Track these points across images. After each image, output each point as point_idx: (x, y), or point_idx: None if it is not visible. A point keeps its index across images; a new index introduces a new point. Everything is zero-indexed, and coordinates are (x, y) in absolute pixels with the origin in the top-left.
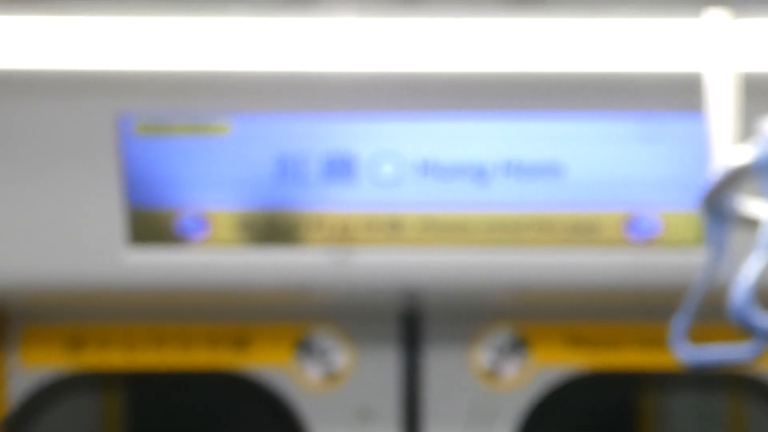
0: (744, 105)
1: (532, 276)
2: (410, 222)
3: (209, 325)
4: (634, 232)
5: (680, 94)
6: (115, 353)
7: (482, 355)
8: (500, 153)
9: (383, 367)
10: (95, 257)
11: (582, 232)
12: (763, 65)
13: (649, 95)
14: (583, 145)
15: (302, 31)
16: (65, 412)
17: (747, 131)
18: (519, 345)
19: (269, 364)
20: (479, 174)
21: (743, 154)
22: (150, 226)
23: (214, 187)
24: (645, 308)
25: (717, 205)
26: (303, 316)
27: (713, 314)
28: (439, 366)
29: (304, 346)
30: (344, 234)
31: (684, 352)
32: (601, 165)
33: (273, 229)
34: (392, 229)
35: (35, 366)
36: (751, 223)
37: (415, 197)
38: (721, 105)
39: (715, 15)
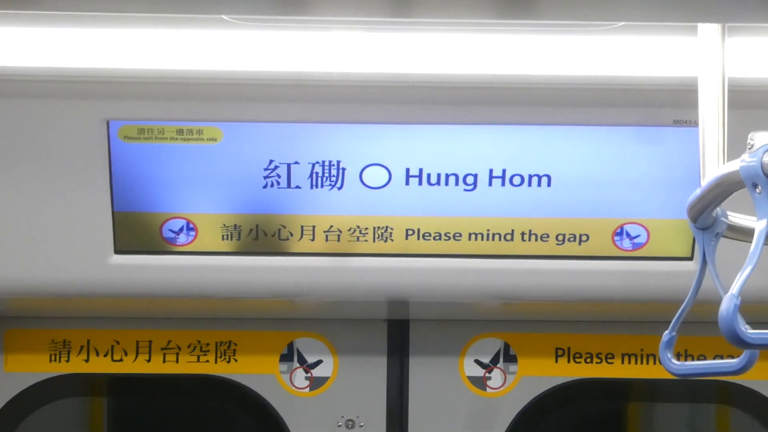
0: (733, 118)
1: (520, 284)
2: (398, 230)
3: (195, 331)
4: (623, 241)
5: (670, 108)
6: (100, 358)
7: (470, 364)
8: (489, 162)
9: (370, 374)
10: (81, 262)
11: (571, 240)
12: (752, 80)
13: (639, 108)
14: (572, 156)
15: (293, 43)
16: (50, 415)
17: (736, 144)
18: (507, 354)
19: (255, 369)
20: (468, 183)
21: (733, 166)
22: (136, 231)
23: (202, 192)
24: (632, 319)
25: (705, 217)
26: (289, 322)
27: (701, 326)
28: (427, 374)
29: (289, 352)
30: (331, 241)
31: (671, 364)
32: (590, 175)
33: (259, 235)
34: (379, 237)
35: (20, 370)
36: (740, 235)
37: (403, 206)
38: (712, 118)
39: (707, 32)
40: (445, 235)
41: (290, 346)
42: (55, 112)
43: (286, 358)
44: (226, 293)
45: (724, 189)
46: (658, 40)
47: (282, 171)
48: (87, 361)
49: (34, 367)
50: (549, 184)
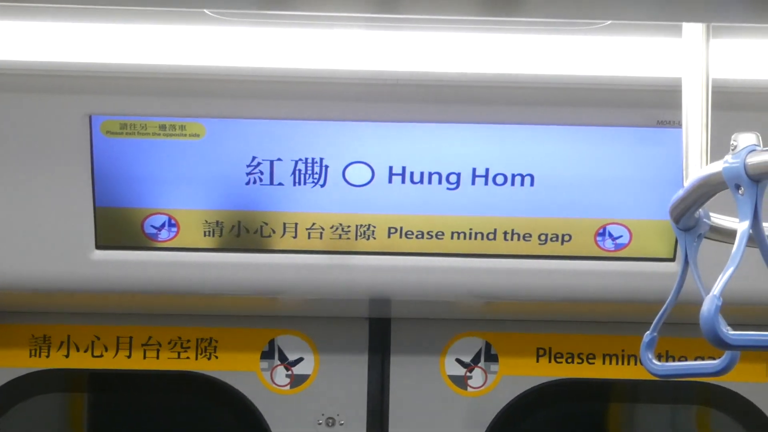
0: (717, 119)
1: (502, 284)
2: (380, 228)
3: (176, 327)
4: (606, 241)
5: (653, 108)
6: (81, 354)
7: (451, 363)
8: (472, 161)
9: (351, 372)
10: (62, 257)
11: (554, 240)
12: (736, 81)
13: (622, 109)
14: (555, 155)
15: (277, 39)
16: (29, 411)
17: (719, 145)
18: (488, 353)
19: (236, 367)
20: (451, 181)
21: (716, 168)
22: (118, 226)
23: (184, 189)
24: (614, 319)
25: (688, 218)
26: (270, 319)
27: (682, 327)
28: (408, 372)
29: (270, 350)
30: (314, 239)
31: (652, 365)
32: (573, 175)
33: (241, 232)
34: (362, 235)
35: (0, 364)
36: (722, 236)
37: (386, 204)
38: (695, 119)
39: (692, 32)
40: (428, 233)
41: (271, 343)
42: (37, 106)
43: (267, 355)
44: (208, 290)
45: (706, 190)
46: (642, 40)
47: (265, 168)
48: (67, 356)
49: (14, 363)
50: (532, 184)
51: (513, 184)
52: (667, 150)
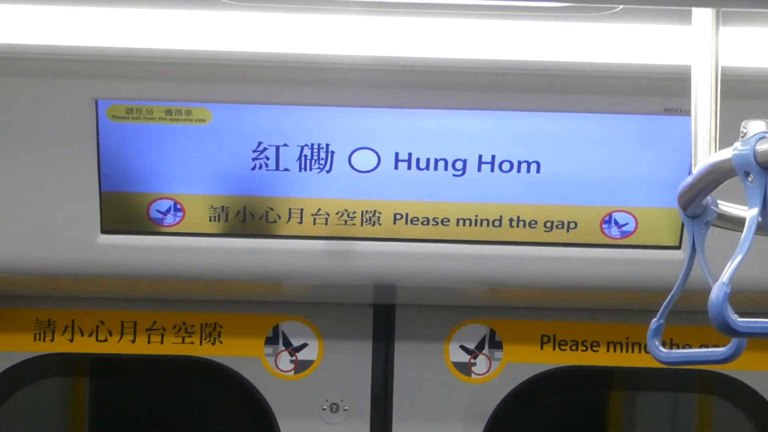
0: (725, 107)
1: (507, 270)
2: (386, 214)
3: (181, 312)
4: (611, 229)
5: (660, 96)
6: (85, 338)
7: (455, 350)
8: (479, 148)
9: (355, 358)
10: (67, 241)
11: (560, 227)
12: (746, 69)
13: (629, 96)
14: (561, 143)
15: (284, 25)
16: (33, 395)
17: (728, 132)
18: (492, 340)
19: (240, 352)
20: (457, 168)
21: (725, 155)
22: (123, 211)
23: (190, 174)
24: (618, 307)
25: (696, 205)
26: (275, 305)
27: (687, 315)
28: (412, 359)
29: (275, 336)
30: (319, 225)
31: (659, 352)
32: (579, 162)
33: (246, 217)
34: (367, 221)
35: (3, 349)
36: (730, 224)
37: (391, 190)
38: (704, 106)
39: (701, 19)
40: (433, 220)
41: (276, 329)
42: (44, 90)
43: (271, 341)
44: (213, 275)
45: (715, 177)
46: (651, 28)
47: (270, 153)
48: (71, 341)
49: (19, 347)
50: (538, 171)
51: (519, 171)
52: (674, 138)
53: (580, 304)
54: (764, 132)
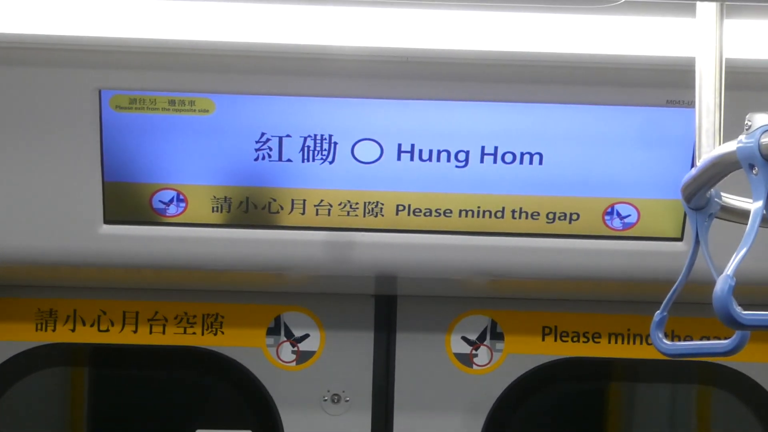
0: (729, 99)
1: (510, 262)
2: (388, 205)
3: (182, 302)
4: (614, 220)
5: (663, 88)
6: (87, 328)
7: (457, 340)
8: (481, 139)
9: (356, 349)
10: (70, 231)
11: (562, 218)
12: (750, 61)
13: (631, 88)
14: (564, 134)
15: (287, 15)
16: (35, 384)
17: (732, 125)
18: (493, 331)
19: (242, 343)
20: (460, 159)
21: (729, 147)
22: (126, 201)
23: (193, 164)
24: (619, 299)
25: (699, 197)
26: (277, 296)
27: (687, 307)
28: (413, 350)
29: (276, 326)
30: (321, 216)
31: (662, 344)
32: (581, 153)
33: (249, 208)
34: (370, 213)
35: (6, 339)
36: (734, 216)
37: (394, 181)
38: (708, 98)
39: (705, 11)
40: (436, 211)
41: (277, 319)
42: (47, 80)
43: (273, 331)
44: (215, 265)
45: (719, 169)
46: (654, 20)
47: (273, 144)
48: (73, 330)
49: (20, 336)
50: (540, 162)
51: (522, 162)
52: (676, 130)
53: (582, 295)
54: None
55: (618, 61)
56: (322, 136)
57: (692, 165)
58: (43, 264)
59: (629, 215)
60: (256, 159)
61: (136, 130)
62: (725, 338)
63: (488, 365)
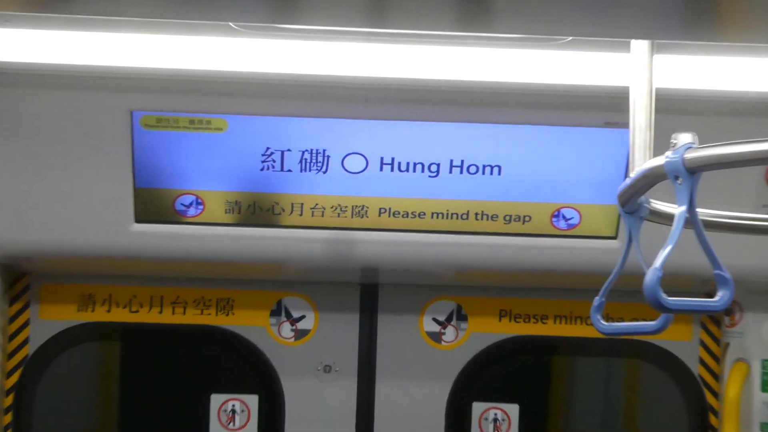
0: (658, 122)
1: (473, 256)
2: (372, 209)
3: (200, 288)
4: (560, 222)
5: (601, 111)
6: (120, 310)
7: (428, 322)
8: (450, 154)
9: (345, 328)
10: (107, 229)
11: (516, 220)
12: (676, 90)
13: (575, 111)
14: (519, 150)
15: (290, 50)
16: (76, 357)
17: (659, 143)
18: (459, 314)
19: (249, 322)
20: (432, 170)
21: (658, 161)
22: (153, 204)
23: (209, 173)
24: (564, 287)
25: (632, 203)
26: (278, 283)
27: (620, 294)
28: (392, 329)
29: (279, 309)
30: (316, 217)
31: (600, 324)
32: (534, 166)
33: (256, 210)
34: (357, 215)
35: (52, 318)
36: (660, 219)
37: (377, 188)
38: (641, 120)
39: (639, 49)
40: (412, 213)
41: (279, 303)
42: (89, 102)
43: (275, 313)
44: (227, 258)
45: (649, 180)
46: (595, 55)
47: (276, 157)
48: (109, 311)
49: (65, 316)
50: (499, 173)
51: (483, 173)
52: (612, 146)
53: (533, 284)
54: (691, 143)
55: (564, 89)
56: (317, 150)
57: (626, 176)
58: (83, 257)
59: (573, 218)
60: (262, 169)
61: (161, 145)
62: (652, 320)
63: (454, 342)
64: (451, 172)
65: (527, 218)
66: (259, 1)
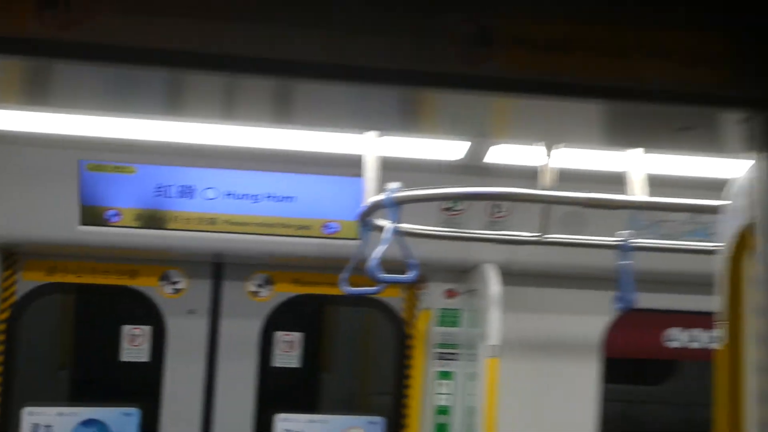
0: (383, 175)
1: (279, 249)
2: (220, 220)
3: (119, 264)
4: (328, 230)
5: (353, 168)
6: (71, 276)
7: (251, 285)
8: (264, 189)
9: (204, 288)
10: (64, 229)
11: (303, 228)
12: (394, 158)
13: (335, 168)
14: (305, 187)
15: (174, 126)
16: (43, 303)
17: (381, 187)
18: (269, 281)
19: (148, 285)
20: (255, 198)
21: (378, 197)
22: (93, 214)
23: (126, 197)
24: (327, 267)
25: (367, 220)
26: (164, 261)
27: (361, 271)
28: (230, 289)
29: (165, 276)
30: (189, 225)
31: (346, 288)
32: (312, 197)
33: (154, 220)
34: (210, 223)
35: (30, 280)
36: (379, 230)
37: (224, 208)
38: (371, 173)
39: (371, 134)
40: (243, 223)
41: (165, 273)
42: (55, 154)
43: (163, 278)
44: (135, 246)
45: (375, 207)
46: (344, 135)
47: (164, 189)
48: (65, 276)
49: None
50: (292, 201)
51: (283, 201)
52: (357, 187)
53: (313, 265)
54: (396, 188)
55: (328, 153)
56: (188, 186)
57: (362, 204)
58: (51, 244)
59: (335, 227)
60: (156, 195)
61: (98, 180)
62: (375, 287)
63: (266, 297)
64: (266, 199)
65: (308, 227)
66: (156, 102)
